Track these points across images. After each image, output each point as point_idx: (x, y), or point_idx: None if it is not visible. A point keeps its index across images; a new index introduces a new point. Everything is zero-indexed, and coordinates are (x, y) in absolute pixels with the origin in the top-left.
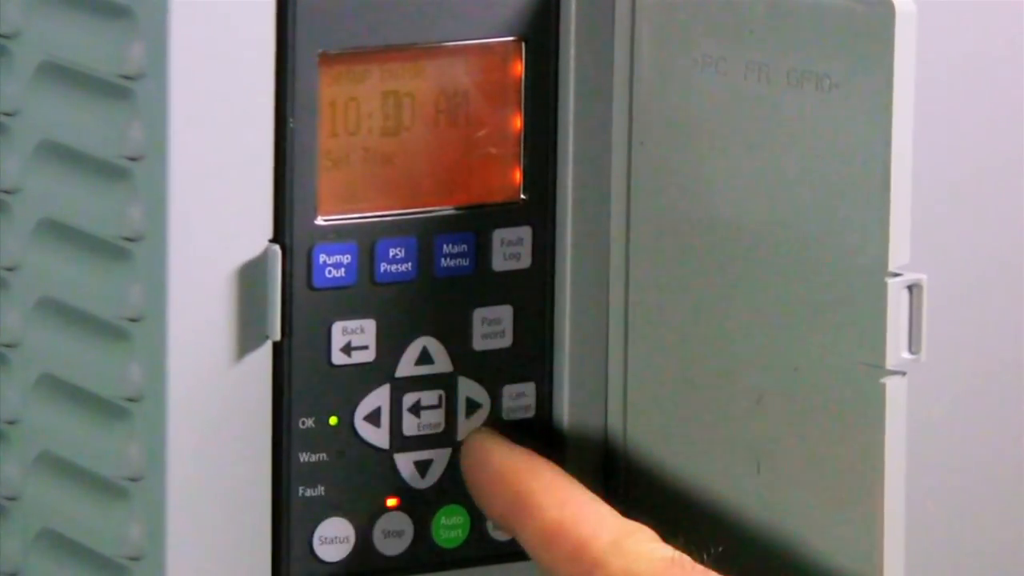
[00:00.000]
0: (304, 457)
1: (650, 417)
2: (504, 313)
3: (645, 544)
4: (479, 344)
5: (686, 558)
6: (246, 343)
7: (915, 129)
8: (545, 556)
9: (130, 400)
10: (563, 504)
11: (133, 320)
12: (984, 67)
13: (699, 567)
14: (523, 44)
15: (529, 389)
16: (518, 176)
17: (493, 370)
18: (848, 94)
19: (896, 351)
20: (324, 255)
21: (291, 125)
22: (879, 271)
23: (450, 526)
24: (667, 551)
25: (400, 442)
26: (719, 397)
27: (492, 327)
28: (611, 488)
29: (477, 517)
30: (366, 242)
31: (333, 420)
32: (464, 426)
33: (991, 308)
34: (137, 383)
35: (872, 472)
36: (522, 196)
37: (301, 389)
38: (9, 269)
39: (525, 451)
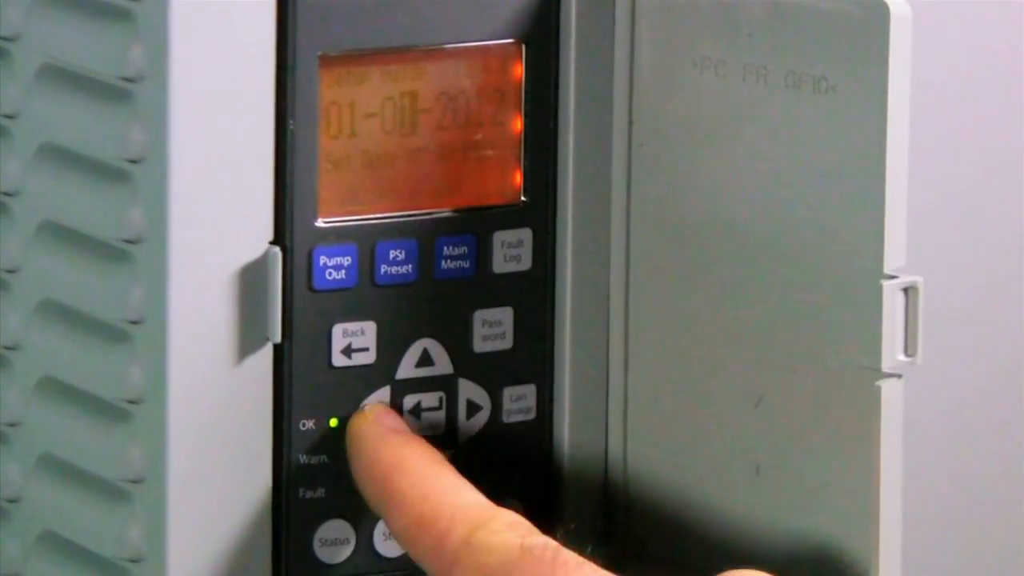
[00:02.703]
0: (304, 459)
1: (650, 419)
2: (504, 315)
3: (494, 536)
4: (479, 346)
5: (538, 543)
6: (247, 345)
7: (911, 131)
8: (411, 551)
9: (131, 402)
10: (424, 499)
11: (134, 322)
12: (980, 68)
13: (551, 551)
14: (523, 46)
15: (529, 391)
16: (518, 178)
17: (493, 372)
18: (845, 96)
19: (892, 354)
20: (324, 257)
21: (291, 127)
22: (875, 273)
23: None
24: (517, 540)
25: None
26: (718, 399)
27: (492, 329)
28: (611, 489)
29: None
30: (366, 244)
31: (333, 422)
32: (464, 428)
33: (988, 310)
34: (138, 385)
35: (868, 474)
36: (522, 198)
37: (301, 391)
38: (10, 271)
39: (395, 441)
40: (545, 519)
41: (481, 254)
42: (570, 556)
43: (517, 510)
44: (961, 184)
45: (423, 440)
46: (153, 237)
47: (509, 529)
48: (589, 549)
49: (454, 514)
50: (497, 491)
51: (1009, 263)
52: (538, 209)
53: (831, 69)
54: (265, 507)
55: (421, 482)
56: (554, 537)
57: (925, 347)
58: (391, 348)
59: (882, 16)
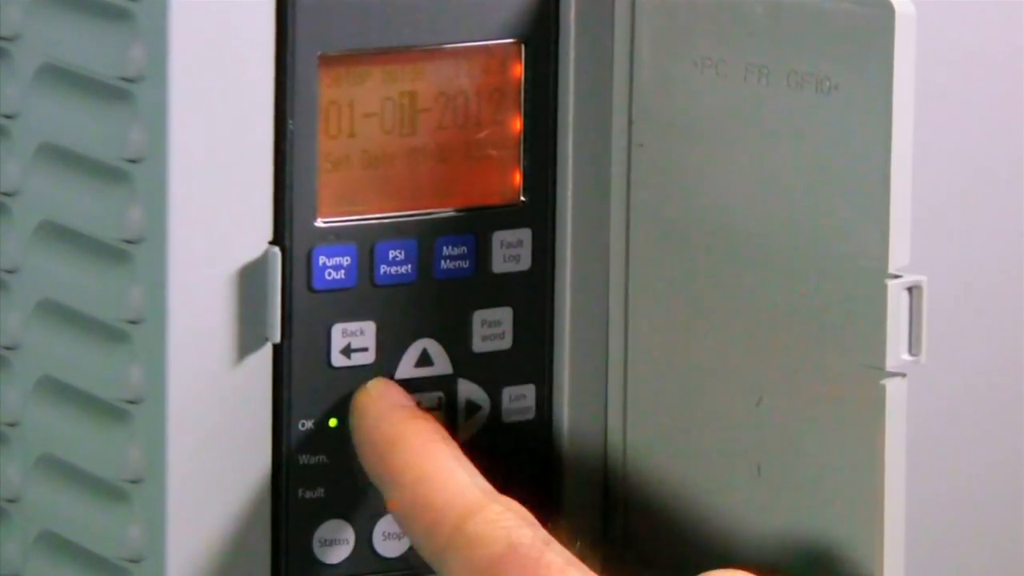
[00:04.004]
0: (304, 459)
1: (650, 419)
2: (504, 315)
3: (484, 526)
4: (479, 346)
5: (523, 538)
6: (246, 345)
7: (915, 131)
8: (406, 531)
9: (130, 402)
10: (419, 480)
11: (133, 322)
12: (984, 68)
13: (537, 550)
14: (523, 46)
15: (529, 391)
16: (518, 178)
17: (493, 372)
18: (848, 96)
19: (896, 353)
20: (324, 257)
21: (291, 127)
22: (879, 273)
23: None
24: (503, 532)
25: None
26: (719, 399)
27: (492, 329)
28: (610, 489)
29: None
30: (366, 244)
31: (333, 422)
32: (464, 428)
33: (991, 309)
34: (137, 385)
35: (872, 473)
36: (522, 198)
37: (301, 391)
38: (9, 271)
39: (397, 417)
40: (544, 518)
41: (481, 254)
42: (555, 557)
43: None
44: (965, 183)
45: (428, 416)
46: (152, 237)
47: (501, 519)
48: (577, 545)
49: (448, 499)
50: (497, 491)
51: (1013, 262)
52: (537, 209)
53: (834, 69)
54: (264, 507)
55: (419, 461)
56: (548, 528)
57: (929, 346)
58: (390, 348)
59: (887, 16)
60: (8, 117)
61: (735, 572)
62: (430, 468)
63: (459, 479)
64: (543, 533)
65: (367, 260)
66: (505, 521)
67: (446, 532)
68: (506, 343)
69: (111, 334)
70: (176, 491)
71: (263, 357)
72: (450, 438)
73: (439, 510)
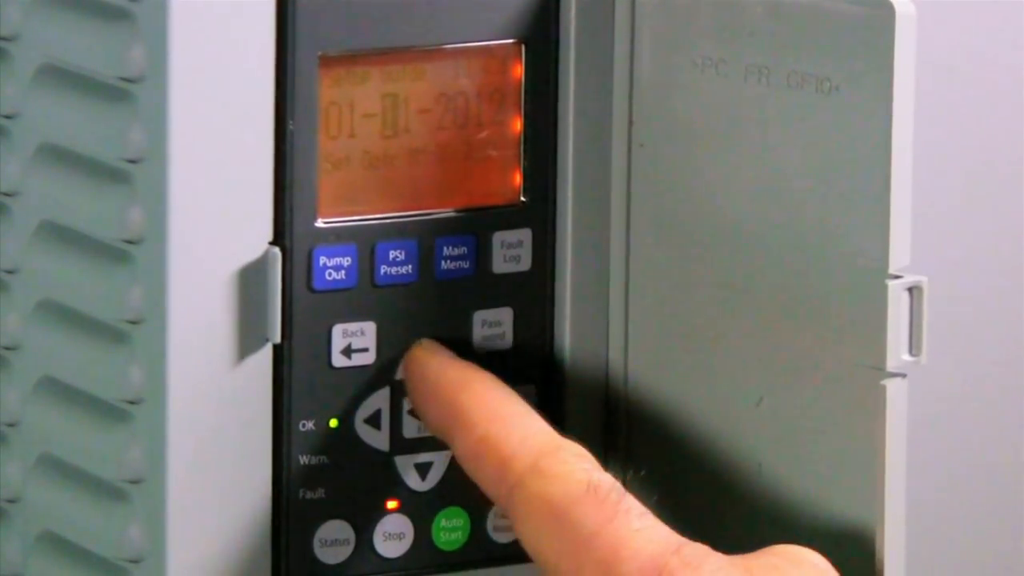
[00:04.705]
0: (304, 459)
1: (650, 420)
2: (504, 315)
3: (562, 465)
4: (479, 346)
5: (604, 482)
6: (246, 345)
7: (915, 131)
8: (474, 472)
9: (130, 402)
10: (490, 420)
11: (133, 322)
12: (984, 68)
13: (616, 493)
14: (523, 46)
15: (529, 391)
16: (518, 178)
17: (493, 372)
18: (848, 96)
19: (897, 353)
20: (324, 257)
21: (291, 127)
22: (880, 273)
23: (450, 528)
24: (583, 474)
25: (400, 444)
26: (719, 399)
27: (492, 329)
28: None
29: (477, 519)
30: (366, 244)
31: (333, 422)
32: None
33: (992, 310)
34: (137, 385)
35: (873, 474)
36: (522, 198)
37: (301, 391)
38: (9, 272)
39: (462, 365)
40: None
41: (481, 254)
42: (634, 503)
43: None
44: (966, 184)
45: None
46: (152, 237)
47: (577, 461)
48: (655, 499)
49: (523, 437)
50: None
51: (1014, 262)
52: (537, 209)
53: (834, 69)
54: (265, 508)
55: (490, 403)
56: (621, 482)
57: (930, 347)
58: (391, 348)
59: (887, 16)
60: (8, 117)
61: (803, 550)
62: (503, 410)
63: (533, 420)
64: (619, 484)
65: (367, 260)
66: (583, 463)
67: (520, 469)
68: (506, 343)
69: (111, 334)
70: (176, 491)
71: (263, 357)
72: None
73: (515, 447)
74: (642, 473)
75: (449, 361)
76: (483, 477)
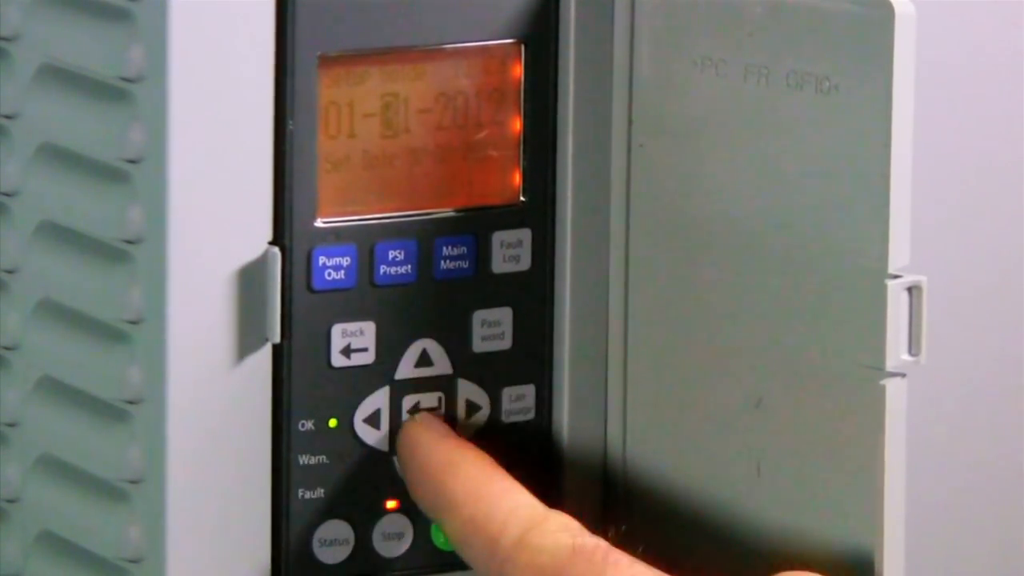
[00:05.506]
0: (304, 459)
1: (650, 419)
2: (504, 315)
3: (549, 536)
4: (479, 346)
5: (589, 544)
6: (246, 345)
7: (915, 131)
8: (465, 553)
9: (130, 402)
10: (477, 500)
11: (133, 322)
12: (984, 68)
13: (601, 551)
14: (522, 46)
15: (529, 391)
16: (517, 178)
17: (493, 372)
18: (848, 96)
19: (896, 353)
20: (324, 257)
21: (290, 127)
22: (879, 273)
23: None
24: (568, 540)
25: None
26: (718, 399)
27: (492, 329)
28: (610, 490)
29: None
30: (365, 244)
31: (333, 422)
32: (464, 428)
33: (991, 309)
34: (137, 385)
35: (872, 474)
36: (521, 198)
37: (301, 391)
38: (9, 271)
39: (448, 446)
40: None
41: (480, 254)
42: (621, 556)
43: None
44: (965, 183)
45: (473, 445)
46: (152, 237)
47: (561, 530)
48: (641, 549)
49: (507, 515)
50: None
51: (1013, 262)
52: (537, 209)
53: (834, 69)
54: (264, 507)
55: (475, 484)
56: (605, 538)
57: (929, 346)
58: (390, 348)
59: (886, 16)
60: (8, 117)
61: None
62: (488, 488)
63: (517, 498)
64: (604, 541)
65: (367, 260)
66: (568, 530)
67: (507, 545)
68: (506, 343)
69: (111, 334)
70: (176, 491)
71: (263, 357)
72: (499, 466)
73: (500, 523)
74: (623, 528)
75: (436, 442)
76: (474, 556)
